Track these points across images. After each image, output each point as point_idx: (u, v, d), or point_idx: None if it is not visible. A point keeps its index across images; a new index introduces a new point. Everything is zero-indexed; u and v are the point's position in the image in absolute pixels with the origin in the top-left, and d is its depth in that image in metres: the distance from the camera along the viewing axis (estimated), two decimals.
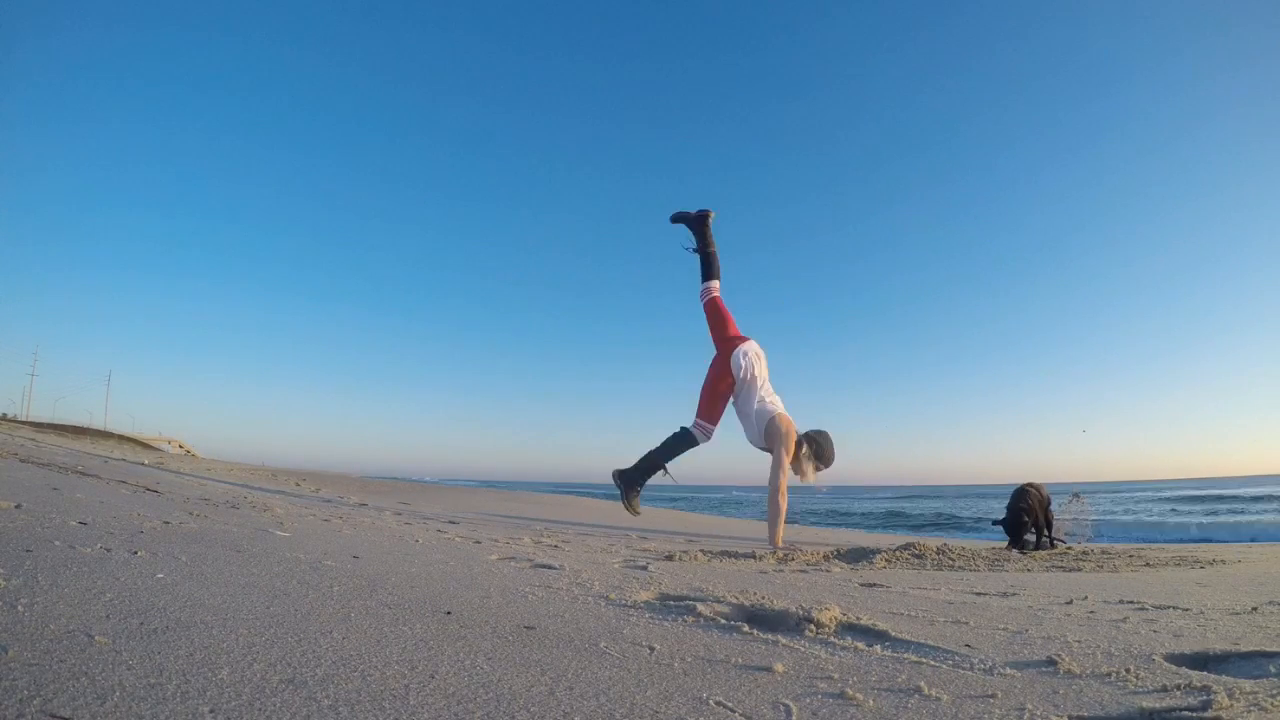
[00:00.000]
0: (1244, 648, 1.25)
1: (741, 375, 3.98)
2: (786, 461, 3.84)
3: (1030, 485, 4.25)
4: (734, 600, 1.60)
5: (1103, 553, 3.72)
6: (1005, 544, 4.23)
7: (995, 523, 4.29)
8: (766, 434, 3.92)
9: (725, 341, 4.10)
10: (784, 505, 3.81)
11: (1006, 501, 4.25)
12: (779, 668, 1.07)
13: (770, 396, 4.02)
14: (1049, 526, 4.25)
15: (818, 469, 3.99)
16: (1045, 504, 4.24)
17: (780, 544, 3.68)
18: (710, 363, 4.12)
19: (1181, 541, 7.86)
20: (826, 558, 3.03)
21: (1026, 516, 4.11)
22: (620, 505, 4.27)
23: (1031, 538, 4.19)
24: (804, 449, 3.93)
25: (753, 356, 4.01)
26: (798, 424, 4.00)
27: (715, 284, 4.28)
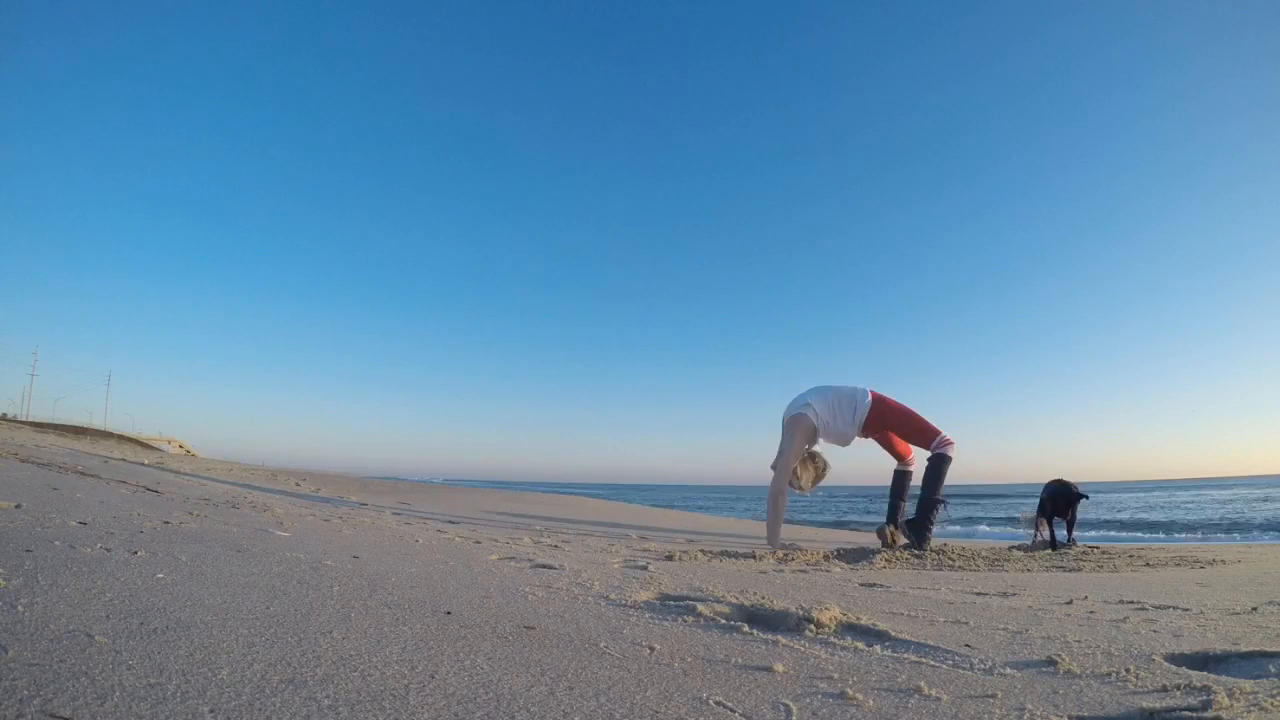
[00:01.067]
0: (1244, 648, 1.25)
1: (842, 423, 3.91)
2: (792, 457, 3.81)
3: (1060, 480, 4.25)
4: (734, 600, 1.60)
5: (1103, 553, 3.72)
6: (1016, 545, 4.26)
7: (1042, 508, 4.21)
8: (790, 421, 3.87)
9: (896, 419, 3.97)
10: (784, 505, 3.81)
11: (1042, 492, 4.23)
12: (779, 668, 1.07)
13: (819, 407, 3.92)
14: (1071, 526, 4.25)
15: (815, 479, 4.00)
16: (1073, 501, 4.24)
17: (779, 544, 3.68)
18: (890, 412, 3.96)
19: (1181, 541, 7.85)
20: (826, 558, 3.03)
21: (1070, 507, 4.12)
22: (620, 505, 4.27)
23: (1047, 534, 4.20)
24: (807, 461, 3.94)
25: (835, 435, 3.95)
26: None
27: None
